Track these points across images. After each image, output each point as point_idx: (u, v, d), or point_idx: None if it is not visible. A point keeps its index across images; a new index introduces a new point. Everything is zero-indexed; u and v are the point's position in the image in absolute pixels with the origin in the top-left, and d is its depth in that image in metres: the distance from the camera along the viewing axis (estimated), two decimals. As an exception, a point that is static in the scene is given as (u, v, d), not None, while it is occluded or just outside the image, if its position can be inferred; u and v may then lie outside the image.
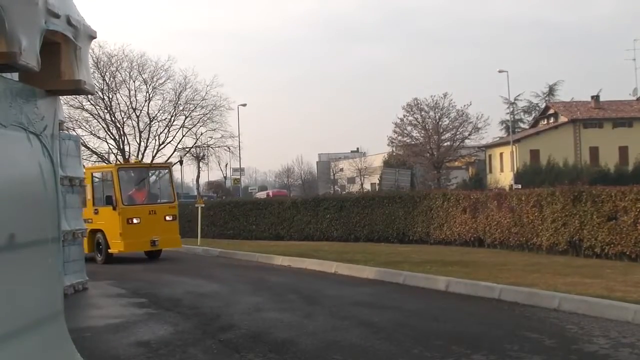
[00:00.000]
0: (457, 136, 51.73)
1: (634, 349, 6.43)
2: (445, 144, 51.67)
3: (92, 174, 17.52)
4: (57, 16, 3.37)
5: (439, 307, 9.30)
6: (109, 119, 41.08)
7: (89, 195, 16.79)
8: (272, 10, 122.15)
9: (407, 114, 51.79)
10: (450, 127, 51.52)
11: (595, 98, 55.33)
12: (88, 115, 40.80)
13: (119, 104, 41.52)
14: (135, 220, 16.29)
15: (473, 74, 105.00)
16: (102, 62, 40.13)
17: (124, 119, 41.35)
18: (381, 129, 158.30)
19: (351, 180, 74.36)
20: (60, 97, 4.33)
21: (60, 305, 3.69)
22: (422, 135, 52.08)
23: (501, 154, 55.47)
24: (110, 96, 41.07)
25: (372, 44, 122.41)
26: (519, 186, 37.64)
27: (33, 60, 3.11)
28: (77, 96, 35.12)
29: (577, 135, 52.32)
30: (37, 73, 3.21)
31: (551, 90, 67.74)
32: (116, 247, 16.21)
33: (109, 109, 41.09)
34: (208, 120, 42.91)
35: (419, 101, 51.28)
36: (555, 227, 13.88)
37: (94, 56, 38.51)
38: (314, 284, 11.80)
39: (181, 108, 42.91)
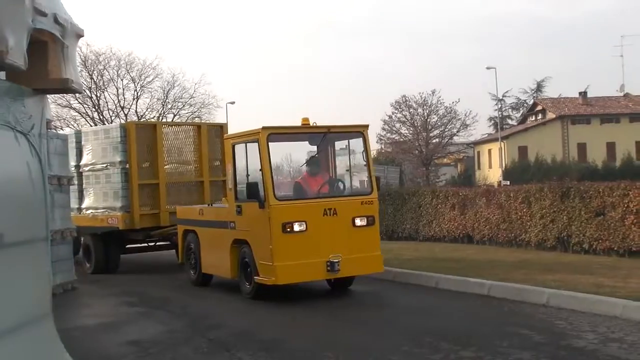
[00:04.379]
0: (446, 133, 51.87)
1: (622, 344, 6.47)
2: (434, 140, 51.79)
3: (232, 145, 10.30)
4: (44, 14, 3.35)
5: (429, 304, 9.32)
6: (97, 117, 40.98)
7: (229, 183, 10.45)
8: (261, 6, 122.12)
9: (396, 111, 51.90)
10: (439, 124, 51.64)
11: (583, 94, 55.60)
12: (76, 113, 40.75)
13: (107, 102, 41.49)
14: (297, 227, 9.34)
15: (461, 71, 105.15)
16: (89, 61, 40.07)
17: (112, 118, 41.25)
18: (369, 126, 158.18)
19: (340, 178, 74.37)
20: (48, 95, 4.31)
21: (48, 304, 3.67)
22: (410, 132, 52.17)
23: (489, 151, 55.68)
24: (98, 95, 41.00)
25: (360, 41, 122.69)
26: (508, 183, 37.83)
27: (20, 59, 3.09)
28: (65, 95, 34.99)
29: (565, 132, 52.56)
30: (24, 72, 3.19)
31: (539, 87, 67.94)
32: (266, 272, 9.35)
33: (97, 107, 41.00)
34: (197, 119, 42.89)
35: (407, 98, 51.38)
36: (543, 223, 13.93)
37: (82, 54, 38.42)
38: (302, 282, 11.79)
39: (169, 106, 42.92)
